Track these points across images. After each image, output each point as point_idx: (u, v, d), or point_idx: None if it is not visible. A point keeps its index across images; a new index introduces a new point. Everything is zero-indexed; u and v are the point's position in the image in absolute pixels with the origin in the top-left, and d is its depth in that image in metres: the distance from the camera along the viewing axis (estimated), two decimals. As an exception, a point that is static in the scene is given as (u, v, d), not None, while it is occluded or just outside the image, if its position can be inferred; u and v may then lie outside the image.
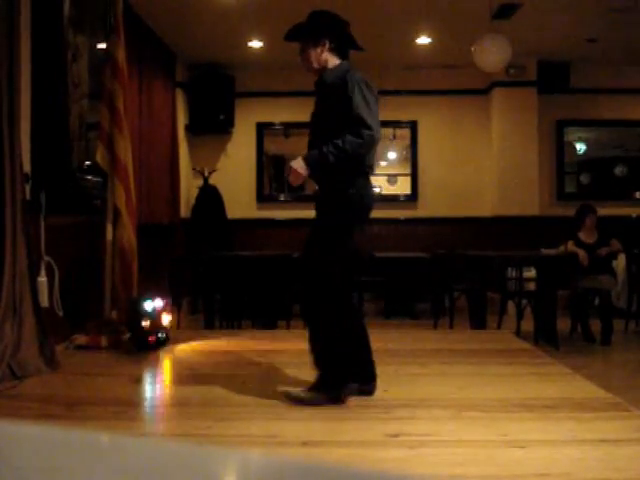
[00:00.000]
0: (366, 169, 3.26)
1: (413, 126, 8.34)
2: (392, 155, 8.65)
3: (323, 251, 3.18)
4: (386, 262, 6.98)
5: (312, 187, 3.28)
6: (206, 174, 7.85)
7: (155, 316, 4.69)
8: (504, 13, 6.23)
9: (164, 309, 4.84)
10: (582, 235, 5.81)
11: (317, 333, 3.21)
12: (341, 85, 3.15)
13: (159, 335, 4.66)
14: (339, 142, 3.07)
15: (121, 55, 5.00)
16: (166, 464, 0.50)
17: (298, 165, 3.16)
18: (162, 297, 4.96)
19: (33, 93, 4.24)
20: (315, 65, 3.32)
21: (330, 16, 3.34)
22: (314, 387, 3.17)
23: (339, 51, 3.33)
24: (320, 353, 3.18)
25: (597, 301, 5.84)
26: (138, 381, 3.89)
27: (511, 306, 5.96)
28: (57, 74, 4.45)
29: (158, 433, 2.92)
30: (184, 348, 4.69)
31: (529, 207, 7.90)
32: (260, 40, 7.20)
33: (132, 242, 5.06)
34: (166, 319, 4.81)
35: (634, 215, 8.13)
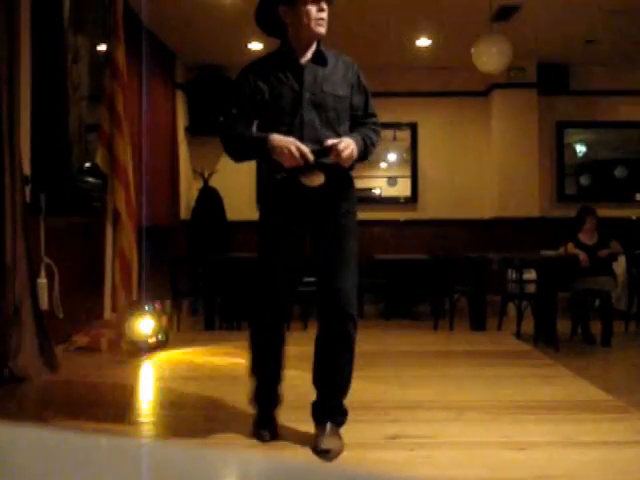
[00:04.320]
0: None
1: (413, 128, 8.35)
2: (392, 157, 8.64)
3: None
4: (386, 264, 6.98)
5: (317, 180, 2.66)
6: (206, 176, 7.85)
7: (155, 317, 4.69)
8: (504, 15, 6.23)
9: (164, 310, 4.84)
10: (582, 237, 5.81)
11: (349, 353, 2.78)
12: None
13: (159, 337, 4.66)
14: (375, 135, 2.83)
15: (121, 57, 5.00)
16: (166, 466, 0.50)
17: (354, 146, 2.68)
18: (162, 299, 4.96)
19: (33, 95, 4.23)
20: None
21: None
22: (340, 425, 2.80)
23: None
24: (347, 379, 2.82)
25: (597, 303, 5.84)
26: (138, 383, 3.89)
27: (511, 308, 5.96)
28: (57, 76, 4.46)
29: (158, 435, 2.91)
30: (184, 349, 4.69)
31: (529, 209, 7.90)
32: (260, 42, 7.20)
33: (132, 244, 5.06)
34: (166, 320, 4.81)
35: (634, 217, 8.13)
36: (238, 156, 2.83)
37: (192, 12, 6.23)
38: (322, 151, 2.63)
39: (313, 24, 2.68)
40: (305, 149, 2.57)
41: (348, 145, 2.63)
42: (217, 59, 7.84)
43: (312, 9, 2.66)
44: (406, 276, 6.96)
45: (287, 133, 2.63)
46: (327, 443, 2.61)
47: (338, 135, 2.71)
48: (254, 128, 2.76)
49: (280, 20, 2.74)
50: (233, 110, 2.74)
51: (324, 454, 2.57)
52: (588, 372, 4.09)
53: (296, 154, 2.55)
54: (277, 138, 2.59)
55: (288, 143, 2.57)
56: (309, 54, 2.77)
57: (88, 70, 5.03)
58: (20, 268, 3.74)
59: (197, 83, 8.04)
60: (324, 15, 2.70)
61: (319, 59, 2.78)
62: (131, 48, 5.61)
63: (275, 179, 2.69)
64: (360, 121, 2.84)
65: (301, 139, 2.62)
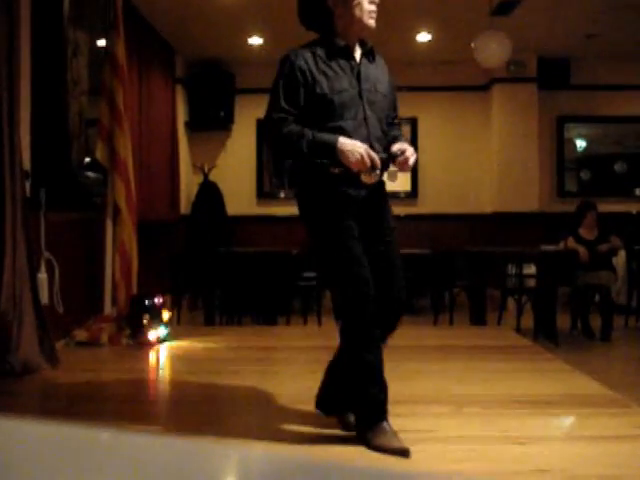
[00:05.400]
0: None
1: (413, 123, 8.33)
2: (392, 151, 8.64)
3: None
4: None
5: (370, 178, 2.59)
6: (206, 170, 7.85)
7: (155, 312, 4.69)
8: (504, 9, 6.22)
9: (164, 305, 4.84)
10: (582, 232, 5.81)
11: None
12: None
13: (159, 331, 4.66)
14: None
15: (121, 51, 4.99)
16: (166, 461, 0.50)
17: None
18: (162, 293, 4.96)
19: (33, 90, 4.23)
20: None
21: None
22: None
23: None
24: None
25: (597, 297, 5.84)
26: (138, 378, 3.90)
27: (511, 302, 5.96)
28: (57, 70, 4.45)
29: (158, 430, 2.92)
30: (184, 344, 4.69)
31: (529, 203, 7.89)
32: (260, 36, 7.19)
33: (132, 238, 5.06)
34: (166, 315, 4.81)
35: (634, 211, 8.13)
36: (287, 153, 2.67)
37: (192, 6, 6.21)
38: (389, 157, 2.62)
39: (365, 17, 2.62)
40: (374, 155, 2.52)
41: (413, 153, 2.64)
42: (217, 54, 7.83)
43: (364, 1, 2.60)
44: (406, 270, 6.94)
45: (353, 129, 2.57)
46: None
47: (385, 133, 2.71)
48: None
49: (327, 12, 2.66)
50: (283, 103, 2.58)
51: None
52: (588, 367, 4.10)
53: (367, 160, 2.50)
54: (347, 143, 2.50)
55: (359, 148, 2.50)
56: (359, 48, 2.71)
57: (88, 65, 5.02)
58: (20, 263, 3.74)
59: (197, 78, 8.02)
60: (375, 7, 2.64)
61: (370, 55, 2.74)
62: (131, 42, 5.60)
63: (330, 173, 2.58)
64: (391, 121, 2.82)
65: (367, 135, 2.58)
